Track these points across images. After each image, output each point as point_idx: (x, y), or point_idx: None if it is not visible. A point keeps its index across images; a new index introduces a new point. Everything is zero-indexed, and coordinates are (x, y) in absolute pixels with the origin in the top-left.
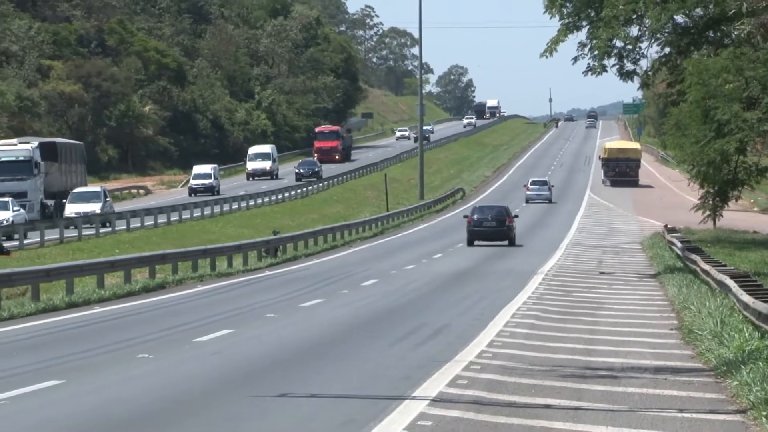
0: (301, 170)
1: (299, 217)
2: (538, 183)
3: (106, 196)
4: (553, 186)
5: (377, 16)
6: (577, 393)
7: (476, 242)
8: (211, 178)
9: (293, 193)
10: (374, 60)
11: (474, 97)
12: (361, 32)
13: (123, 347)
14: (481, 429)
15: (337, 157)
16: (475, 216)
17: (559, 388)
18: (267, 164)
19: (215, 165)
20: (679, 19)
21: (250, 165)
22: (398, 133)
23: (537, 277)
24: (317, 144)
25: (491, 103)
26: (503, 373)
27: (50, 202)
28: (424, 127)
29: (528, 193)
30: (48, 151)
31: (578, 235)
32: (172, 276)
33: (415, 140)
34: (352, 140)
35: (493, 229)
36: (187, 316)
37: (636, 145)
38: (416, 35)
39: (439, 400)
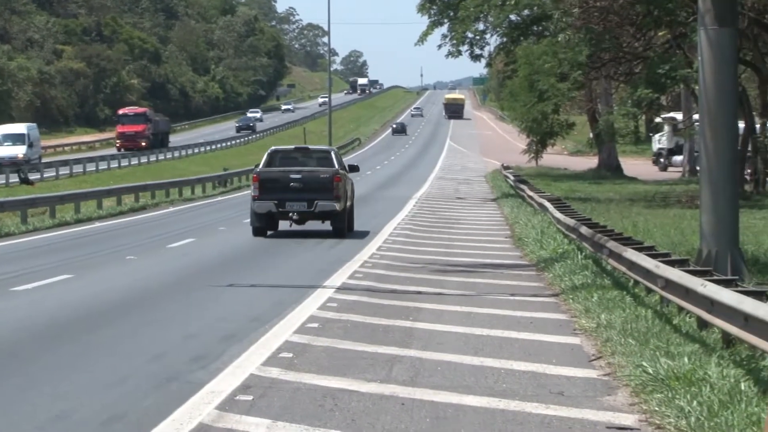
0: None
1: (242, 158)
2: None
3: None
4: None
5: (298, 14)
6: (440, 283)
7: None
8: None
9: (238, 141)
10: (296, 46)
11: (368, 73)
12: (286, 26)
13: (116, 251)
14: (371, 308)
15: (143, 144)
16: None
17: (427, 280)
18: (20, 150)
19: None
20: (513, 17)
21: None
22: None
23: (411, 201)
24: (120, 129)
25: (362, 81)
26: (388, 268)
27: None
28: (253, 115)
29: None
30: None
31: (440, 172)
32: (151, 200)
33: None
34: (170, 126)
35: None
36: (162, 229)
37: (462, 96)
38: (326, 28)
39: (343, 288)
